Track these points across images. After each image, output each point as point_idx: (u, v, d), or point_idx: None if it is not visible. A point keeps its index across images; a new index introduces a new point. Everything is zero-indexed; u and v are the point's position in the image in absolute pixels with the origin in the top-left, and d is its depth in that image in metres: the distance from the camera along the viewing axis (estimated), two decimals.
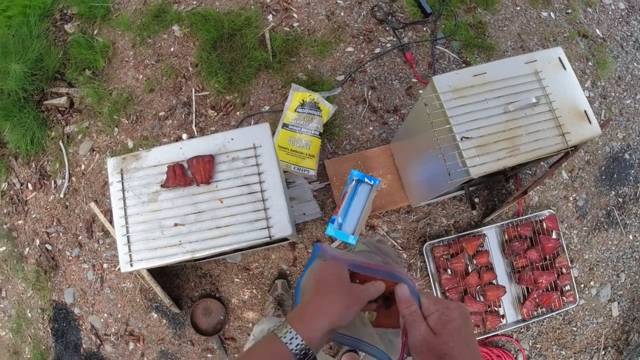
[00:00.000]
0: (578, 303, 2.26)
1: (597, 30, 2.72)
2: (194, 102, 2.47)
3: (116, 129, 2.47)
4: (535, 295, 2.18)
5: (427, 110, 1.59)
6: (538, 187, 2.37)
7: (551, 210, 2.31)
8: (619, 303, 2.36)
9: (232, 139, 1.59)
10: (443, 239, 2.23)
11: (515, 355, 2.23)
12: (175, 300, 2.20)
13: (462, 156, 1.48)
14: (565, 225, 2.40)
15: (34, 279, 2.36)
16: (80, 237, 2.36)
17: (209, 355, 2.22)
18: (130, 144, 2.44)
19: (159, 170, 1.58)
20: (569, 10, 2.74)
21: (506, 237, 2.24)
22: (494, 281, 2.19)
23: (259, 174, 1.56)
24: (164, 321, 2.26)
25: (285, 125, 2.31)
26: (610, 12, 2.77)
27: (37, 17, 2.60)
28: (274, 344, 0.67)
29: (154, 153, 1.59)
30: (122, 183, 1.58)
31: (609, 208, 2.45)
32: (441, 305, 0.67)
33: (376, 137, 2.40)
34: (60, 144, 2.47)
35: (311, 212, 2.24)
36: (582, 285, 2.34)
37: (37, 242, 2.39)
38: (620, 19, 2.76)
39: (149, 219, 1.55)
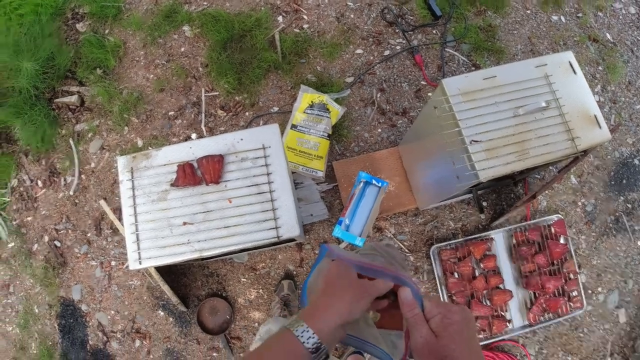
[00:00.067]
0: (585, 309, 2.24)
1: (608, 35, 2.71)
2: (203, 102, 2.48)
3: (126, 128, 2.49)
4: (542, 301, 2.17)
5: (436, 113, 1.59)
6: (547, 192, 2.36)
7: (559, 215, 2.30)
8: (626, 310, 2.34)
9: (241, 139, 1.60)
10: (450, 242, 2.22)
11: None
12: (182, 298, 2.21)
13: (471, 159, 1.48)
14: (574, 230, 2.38)
15: (42, 275, 2.38)
16: (88, 235, 2.37)
17: (214, 354, 2.22)
18: (140, 143, 2.45)
19: (168, 170, 1.59)
20: (580, 14, 2.73)
21: (514, 241, 2.23)
22: (500, 285, 2.18)
23: (268, 174, 1.56)
24: (171, 319, 2.27)
25: (294, 126, 2.32)
26: (620, 17, 2.76)
27: (49, 16, 2.62)
28: (288, 340, 0.68)
29: (164, 152, 1.61)
30: (132, 181, 1.59)
31: (617, 214, 2.44)
32: (443, 309, 0.68)
33: (384, 139, 2.40)
34: (71, 141, 2.49)
35: (319, 213, 2.24)
36: (590, 291, 2.33)
37: (46, 238, 2.41)
38: (631, 24, 2.75)
39: (158, 217, 1.56)
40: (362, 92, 2.48)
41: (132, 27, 2.60)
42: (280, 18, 2.61)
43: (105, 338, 2.29)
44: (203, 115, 2.46)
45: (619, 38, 2.70)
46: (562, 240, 2.27)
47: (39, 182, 2.48)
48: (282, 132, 2.32)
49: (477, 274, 2.19)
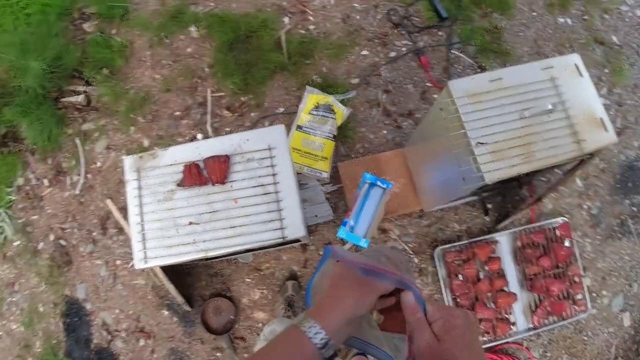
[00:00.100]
0: (590, 312, 2.23)
1: (614, 37, 2.70)
2: (209, 103, 2.49)
3: (132, 128, 2.50)
4: (546, 304, 2.17)
5: (442, 115, 1.60)
6: (552, 195, 2.36)
7: (565, 218, 2.30)
8: (630, 313, 2.33)
9: (247, 140, 1.61)
10: (455, 244, 2.22)
11: None
12: (186, 298, 2.21)
13: (476, 161, 1.48)
14: (579, 233, 2.38)
15: (47, 274, 2.39)
16: (94, 234, 2.38)
17: (218, 354, 2.23)
18: (146, 143, 2.46)
19: (174, 170, 1.60)
20: (586, 17, 2.73)
21: (519, 244, 2.22)
22: (505, 288, 2.18)
23: (274, 175, 1.57)
24: (175, 319, 2.28)
25: (299, 127, 2.33)
26: (627, 19, 2.75)
27: (56, 16, 2.63)
28: (296, 337, 0.69)
29: (171, 152, 1.62)
30: (139, 181, 1.60)
31: (623, 217, 2.43)
32: (445, 313, 0.69)
33: (390, 140, 2.41)
34: (77, 141, 2.50)
35: (323, 214, 2.25)
36: (594, 295, 2.32)
37: (52, 237, 2.42)
38: (637, 26, 2.74)
39: (164, 217, 1.57)
40: (367, 93, 2.49)
41: (139, 27, 2.61)
42: (286, 19, 2.61)
43: (109, 337, 2.30)
44: (209, 115, 2.47)
45: (625, 41, 2.70)
46: (567, 244, 2.26)
47: (45, 181, 2.49)
48: (288, 133, 2.32)
49: (481, 276, 2.19)
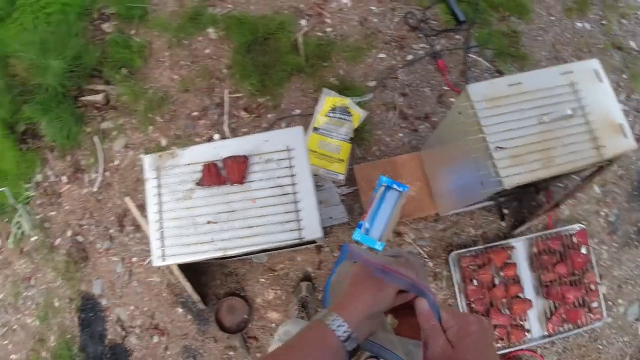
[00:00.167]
0: (605, 320, 2.21)
1: (632, 43, 2.68)
2: (226, 104, 2.51)
3: (150, 127, 2.53)
4: (562, 311, 2.15)
5: (460, 119, 1.59)
6: (569, 201, 2.34)
7: (582, 225, 2.28)
8: None
9: (266, 141, 1.62)
10: (470, 249, 2.21)
11: None
12: (201, 296, 2.23)
13: (495, 166, 1.48)
14: (596, 240, 2.36)
15: (63, 269, 2.42)
16: (111, 231, 2.41)
17: (230, 353, 2.24)
18: (164, 142, 2.49)
19: (193, 169, 1.61)
20: (604, 22, 2.71)
21: (535, 250, 2.21)
22: (520, 294, 2.16)
23: (292, 176, 1.58)
24: (189, 317, 2.29)
25: (315, 129, 2.34)
26: None
27: (76, 16, 2.67)
28: (320, 330, 0.70)
29: (190, 152, 1.63)
30: (158, 180, 1.62)
31: None
32: (460, 320, 0.69)
33: (406, 143, 2.41)
34: (96, 139, 2.53)
35: (338, 216, 2.25)
36: (610, 303, 2.29)
37: (69, 233, 2.46)
38: None
39: (182, 215, 1.59)
40: (384, 96, 2.49)
41: (158, 28, 2.64)
42: (303, 21, 2.63)
43: (123, 333, 2.32)
44: (226, 116, 2.49)
45: None
46: (583, 251, 2.23)
47: (64, 178, 2.53)
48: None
49: (496, 282, 2.18)
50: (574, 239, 2.24)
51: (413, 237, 2.30)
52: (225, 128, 2.45)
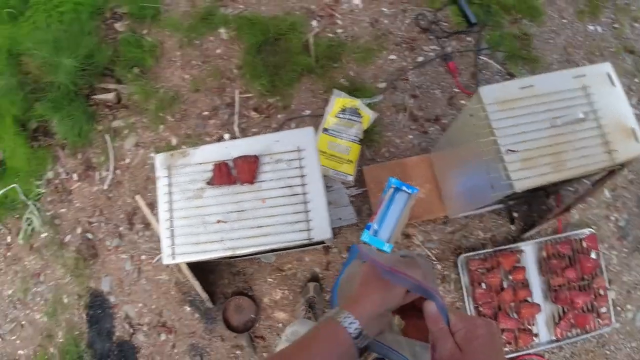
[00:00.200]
0: (613, 326, 2.19)
1: None
2: (237, 103, 2.52)
3: (161, 126, 2.54)
4: (570, 316, 2.13)
5: (472, 121, 1.59)
6: (579, 205, 2.32)
7: (591, 229, 2.26)
8: None
9: (277, 141, 1.63)
10: (479, 252, 2.20)
11: None
12: (208, 295, 2.24)
13: (506, 169, 1.48)
14: (605, 245, 2.34)
15: (72, 266, 2.44)
16: (120, 228, 2.43)
17: (237, 352, 2.25)
18: (174, 141, 2.51)
19: (204, 168, 1.62)
20: (616, 25, 2.69)
21: (544, 254, 2.20)
22: (529, 299, 2.15)
23: (302, 176, 1.59)
24: (197, 315, 2.31)
25: (325, 130, 2.34)
26: None
27: (88, 15, 2.69)
28: (332, 327, 0.71)
29: (201, 151, 1.64)
30: (169, 178, 1.63)
31: None
32: (468, 323, 0.68)
33: (416, 145, 2.40)
34: (107, 137, 2.56)
35: (347, 217, 2.25)
36: (619, 308, 2.27)
37: (79, 230, 2.48)
38: None
39: (192, 214, 1.60)
40: (394, 98, 2.49)
41: (170, 28, 2.66)
42: (314, 22, 2.63)
43: (131, 330, 2.34)
44: (236, 116, 2.50)
45: None
46: (593, 255, 2.22)
47: (75, 176, 2.55)
48: None
49: (505, 285, 2.17)
50: (584, 244, 2.22)
51: (422, 239, 2.30)
52: (235, 128, 2.47)
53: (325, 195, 1.57)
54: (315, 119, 2.45)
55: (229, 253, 1.56)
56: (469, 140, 1.67)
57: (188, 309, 2.32)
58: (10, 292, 2.51)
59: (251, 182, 1.57)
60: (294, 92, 2.51)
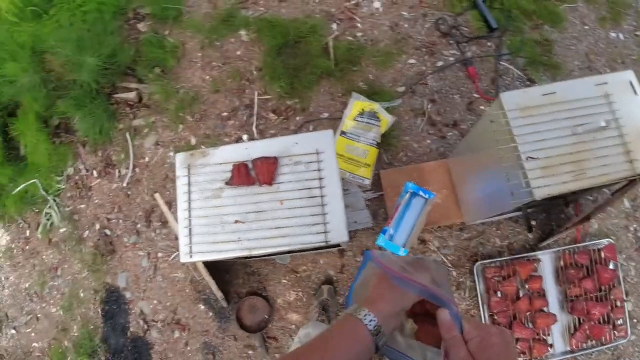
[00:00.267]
0: (629, 338, 2.16)
1: None
2: (256, 105, 2.54)
3: (181, 126, 2.57)
4: (586, 327, 2.10)
5: (492, 127, 1.58)
6: (598, 214, 2.29)
7: (610, 240, 2.23)
8: None
9: (296, 143, 1.63)
10: (495, 259, 2.18)
11: None
12: (223, 294, 2.26)
13: (526, 176, 1.46)
14: (624, 256, 2.30)
15: (90, 261, 2.48)
16: (138, 226, 2.46)
17: (249, 352, 2.26)
18: (193, 141, 2.53)
19: (223, 168, 1.64)
20: (638, 32, 2.65)
21: (561, 263, 2.17)
22: (545, 308, 2.13)
23: (320, 179, 1.59)
24: (210, 314, 2.32)
25: (343, 133, 2.34)
26: None
27: (111, 14, 2.73)
28: (352, 323, 0.73)
29: (221, 151, 1.66)
30: (189, 177, 1.65)
31: None
32: (482, 331, 0.68)
33: (433, 150, 2.39)
34: (127, 135, 2.59)
35: (362, 221, 2.25)
36: (635, 320, 2.24)
37: (97, 226, 2.51)
38: None
39: (210, 214, 1.61)
40: (412, 102, 2.48)
41: (191, 29, 2.70)
42: (334, 25, 2.64)
43: (146, 326, 2.37)
44: (255, 117, 2.52)
45: None
46: (611, 266, 2.18)
47: (94, 172, 2.59)
48: None
49: (521, 294, 2.14)
50: (602, 254, 2.19)
51: (437, 245, 2.29)
52: (254, 129, 2.48)
53: (342, 198, 1.57)
54: (333, 122, 2.45)
55: (245, 253, 1.57)
56: (488, 146, 1.66)
57: (202, 307, 2.34)
58: (27, 285, 2.56)
59: (269, 184, 1.58)
60: (312, 94, 2.52)
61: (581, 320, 2.12)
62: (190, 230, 1.61)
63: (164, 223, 2.42)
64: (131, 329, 2.38)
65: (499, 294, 2.14)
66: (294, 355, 0.81)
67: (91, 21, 2.69)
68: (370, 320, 0.71)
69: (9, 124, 2.63)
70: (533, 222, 2.29)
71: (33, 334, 2.49)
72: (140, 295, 2.40)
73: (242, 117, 2.53)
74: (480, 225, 2.30)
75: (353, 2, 2.69)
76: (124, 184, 2.53)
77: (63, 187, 2.62)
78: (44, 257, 2.57)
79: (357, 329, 0.71)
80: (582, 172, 1.47)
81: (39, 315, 2.50)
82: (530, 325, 2.11)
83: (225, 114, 2.55)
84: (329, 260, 2.30)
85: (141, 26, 2.76)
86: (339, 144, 2.32)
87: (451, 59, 2.55)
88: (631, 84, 1.55)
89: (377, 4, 2.68)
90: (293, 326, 2.26)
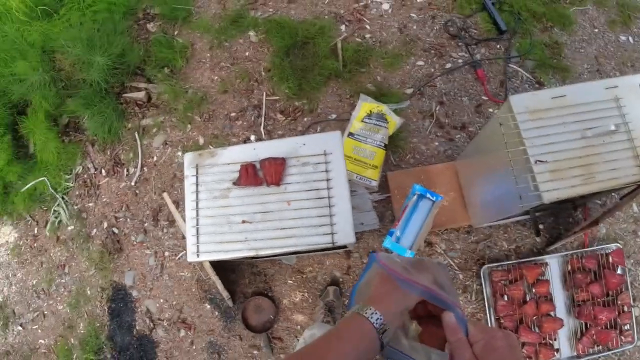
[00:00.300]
0: (635, 344, 2.13)
1: None
2: (264, 106, 2.55)
3: (189, 126, 2.59)
4: (593, 332, 2.09)
5: (501, 130, 1.57)
6: (607, 219, 2.27)
7: (618, 244, 2.21)
8: None
9: (304, 144, 1.64)
10: (503, 263, 2.17)
11: None
12: (229, 294, 2.26)
13: (535, 180, 1.45)
14: (632, 261, 2.28)
15: (97, 259, 2.50)
16: (146, 224, 2.48)
17: (254, 352, 2.26)
18: (201, 141, 2.55)
19: (231, 169, 1.64)
20: None
21: (569, 268, 2.15)
22: (551, 313, 2.11)
23: (328, 180, 1.59)
24: (216, 313, 2.33)
25: (351, 134, 2.34)
26: None
27: (121, 15, 2.76)
28: (359, 322, 0.72)
29: (229, 151, 1.66)
30: (197, 177, 1.66)
31: None
32: (487, 334, 0.68)
33: (441, 152, 2.39)
34: (136, 135, 2.61)
35: (369, 223, 2.25)
36: None
37: (105, 224, 2.53)
38: None
39: (218, 213, 1.62)
40: (421, 104, 2.48)
41: (200, 29, 2.71)
42: (343, 27, 2.65)
43: (152, 325, 2.38)
44: (263, 118, 2.53)
45: None
46: (619, 271, 2.17)
47: (103, 171, 2.61)
48: None
49: (528, 298, 2.13)
50: (610, 259, 2.17)
51: (444, 247, 2.28)
52: (262, 130, 2.49)
53: (350, 199, 1.57)
54: (341, 123, 2.45)
55: (252, 253, 1.57)
56: (497, 149, 1.65)
57: (208, 306, 2.34)
58: (34, 282, 2.58)
59: (277, 184, 1.59)
60: (320, 95, 2.53)
61: (588, 325, 2.11)
62: (197, 229, 1.62)
63: (172, 222, 2.43)
64: (137, 327, 2.40)
65: (505, 297, 2.13)
66: (299, 354, 0.81)
67: (101, 21, 2.71)
68: (377, 319, 0.71)
69: (19, 122, 2.66)
70: (541, 226, 2.28)
71: (39, 331, 2.51)
72: (146, 293, 2.41)
73: (250, 117, 2.54)
74: (488, 229, 2.29)
75: (362, 3, 2.69)
76: (132, 183, 2.54)
77: (72, 185, 2.64)
78: (51, 254, 2.59)
79: (363, 326, 0.71)
80: (591, 176, 1.47)
81: (45, 312, 2.53)
82: (537, 329, 2.10)
83: (233, 114, 2.56)
84: (336, 261, 2.30)
85: (151, 26, 2.78)
86: (347, 146, 2.32)
87: (460, 61, 2.55)
88: None
89: (385, 6, 2.68)
90: (298, 327, 2.27)
